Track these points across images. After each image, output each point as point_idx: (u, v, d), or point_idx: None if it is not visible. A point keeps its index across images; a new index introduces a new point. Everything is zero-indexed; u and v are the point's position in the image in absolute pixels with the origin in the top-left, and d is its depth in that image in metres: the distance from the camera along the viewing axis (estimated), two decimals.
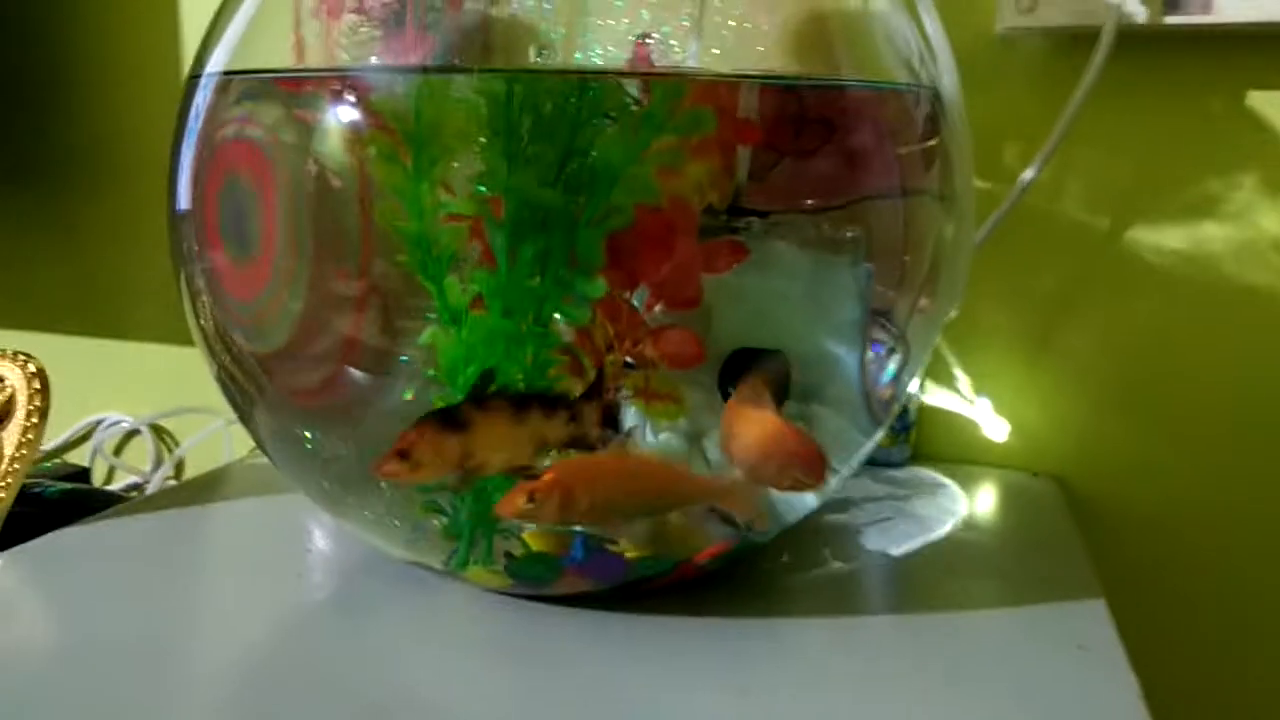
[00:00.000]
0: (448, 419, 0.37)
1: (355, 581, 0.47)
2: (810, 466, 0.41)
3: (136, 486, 0.86)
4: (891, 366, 0.45)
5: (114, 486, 0.87)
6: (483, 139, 0.39)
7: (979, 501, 0.60)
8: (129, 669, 0.38)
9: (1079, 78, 0.57)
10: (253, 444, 0.81)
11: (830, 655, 0.41)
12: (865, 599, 0.48)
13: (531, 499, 0.38)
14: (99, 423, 0.88)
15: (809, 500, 0.47)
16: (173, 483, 0.85)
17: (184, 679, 0.38)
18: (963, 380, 0.67)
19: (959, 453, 0.67)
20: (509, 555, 0.43)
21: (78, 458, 0.89)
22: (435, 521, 0.43)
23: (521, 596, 0.45)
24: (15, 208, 0.88)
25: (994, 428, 0.67)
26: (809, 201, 0.42)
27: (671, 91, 0.39)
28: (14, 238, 0.89)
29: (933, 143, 0.42)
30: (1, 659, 0.39)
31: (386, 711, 0.36)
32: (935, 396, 0.67)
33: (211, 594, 0.47)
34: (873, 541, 0.53)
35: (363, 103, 0.39)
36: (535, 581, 0.43)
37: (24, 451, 0.50)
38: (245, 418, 0.45)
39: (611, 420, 0.39)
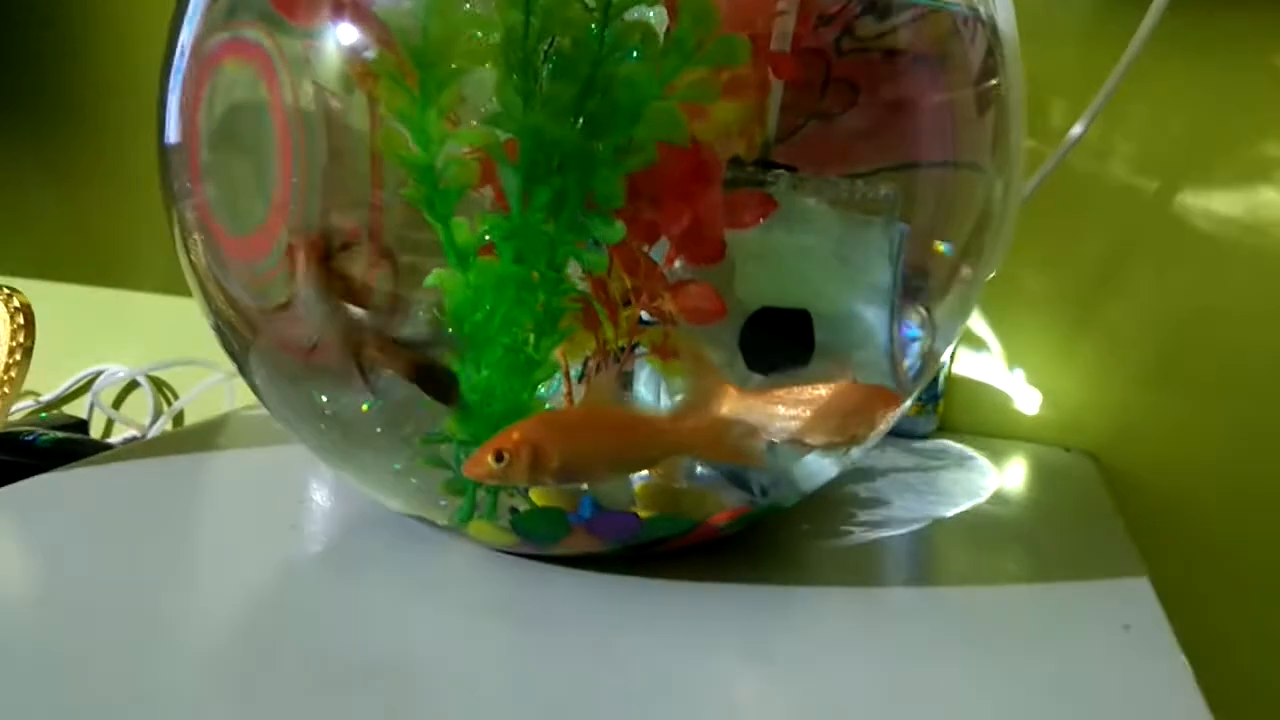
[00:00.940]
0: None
1: (353, 535, 0.44)
2: (888, 399, 0.41)
3: (135, 440, 0.83)
4: (923, 333, 0.42)
5: (112, 439, 0.85)
6: (496, 67, 0.36)
7: (1010, 475, 0.57)
8: (112, 619, 0.36)
9: (1132, 30, 0.54)
10: (255, 397, 0.80)
11: (858, 626, 0.39)
12: (893, 570, 0.45)
13: (500, 458, 0.35)
14: (98, 374, 0.86)
15: (828, 468, 0.44)
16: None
17: (169, 630, 0.36)
18: (995, 349, 0.64)
19: (988, 425, 0.64)
20: (514, 511, 0.41)
21: (75, 410, 0.87)
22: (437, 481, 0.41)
23: (527, 556, 0.42)
24: (11, 150, 0.86)
25: (1026, 400, 0.64)
26: (849, 166, 0.40)
27: (701, 15, 0.36)
28: (10, 181, 0.86)
29: (993, 83, 0.39)
30: None
31: (377, 670, 0.33)
32: (965, 366, 0.64)
33: (202, 543, 0.45)
34: (899, 512, 0.50)
35: (364, 14, 0.36)
36: (542, 539, 0.41)
37: (6, 390, 0.48)
38: (241, 363, 0.42)
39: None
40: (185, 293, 0.81)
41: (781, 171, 0.40)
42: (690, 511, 0.42)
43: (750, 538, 0.45)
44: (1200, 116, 0.58)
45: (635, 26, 0.35)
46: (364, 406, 0.41)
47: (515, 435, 0.36)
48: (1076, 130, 0.55)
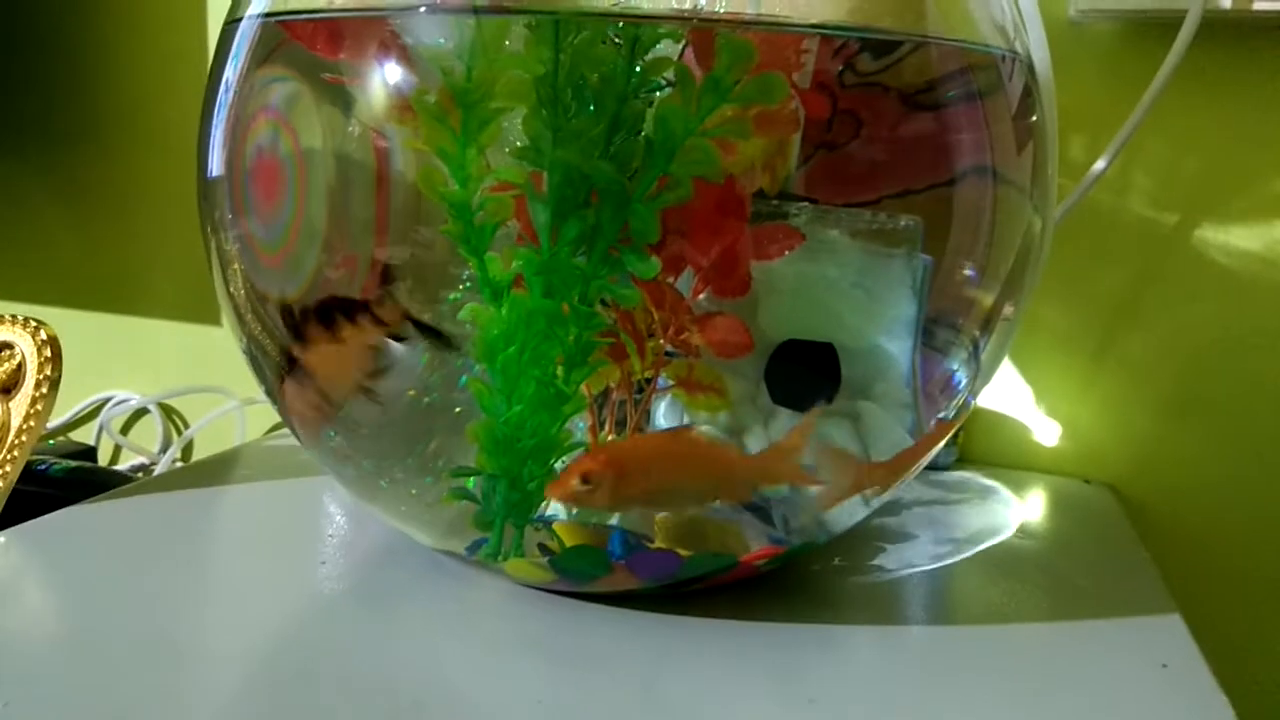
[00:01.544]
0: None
1: (381, 570, 0.44)
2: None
3: (143, 468, 0.83)
4: (959, 374, 0.42)
5: (120, 467, 0.84)
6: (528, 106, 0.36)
7: (1033, 508, 0.57)
8: (136, 658, 0.35)
9: (1151, 66, 0.54)
10: (267, 427, 0.80)
11: (895, 665, 0.38)
12: (926, 607, 0.45)
13: (586, 481, 0.35)
14: (106, 400, 0.85)
15: (857, 511, 0.44)
16: (180, 465, 0.82)
17: (198, 667, 0.35)
18: (1015, 381, 0.64)
19: (1007, 457, 0.64)
20: (543, 547, 0.40)
21: (83, 436, 0.86)
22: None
23: (559, 593, 0.42)
24: (21, 175, 0.85)
25: (1045, 432, 0.64)
26: (876, 193, 0.40)
27: (740, 53, 0.36)
28: (20, 206, 0.86)
29: (1032, 119, 0.39)
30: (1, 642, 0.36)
31: (412, 709, 0.33)
32: (984, 397, 0.64)
33: (226, 579, 0.44)
34: (927, 547, 0.50)
35: (407, 53, 0.36)
36: (581, 577, 0.40)
37: (31, 424, 0.47)
38: (273, 393, 0.42)
39: None
40: (195, 319, 0.81)
41: (805, 204, 0.40)
42: (713, 546, 0.42)
43: (782, 574, 0.45)
44: (1219, 152, 0.59)
45: (661, 63, 0.36)
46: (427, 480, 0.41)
47: (603, 458, 0.36)
48: (1100, 165, 0.55)
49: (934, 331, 0.41)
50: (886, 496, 0.45)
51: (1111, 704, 0.36)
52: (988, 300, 0.40)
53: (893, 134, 0.39)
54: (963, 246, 0.39)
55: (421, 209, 0.38)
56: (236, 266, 0.39)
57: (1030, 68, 0.39)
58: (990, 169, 0.38)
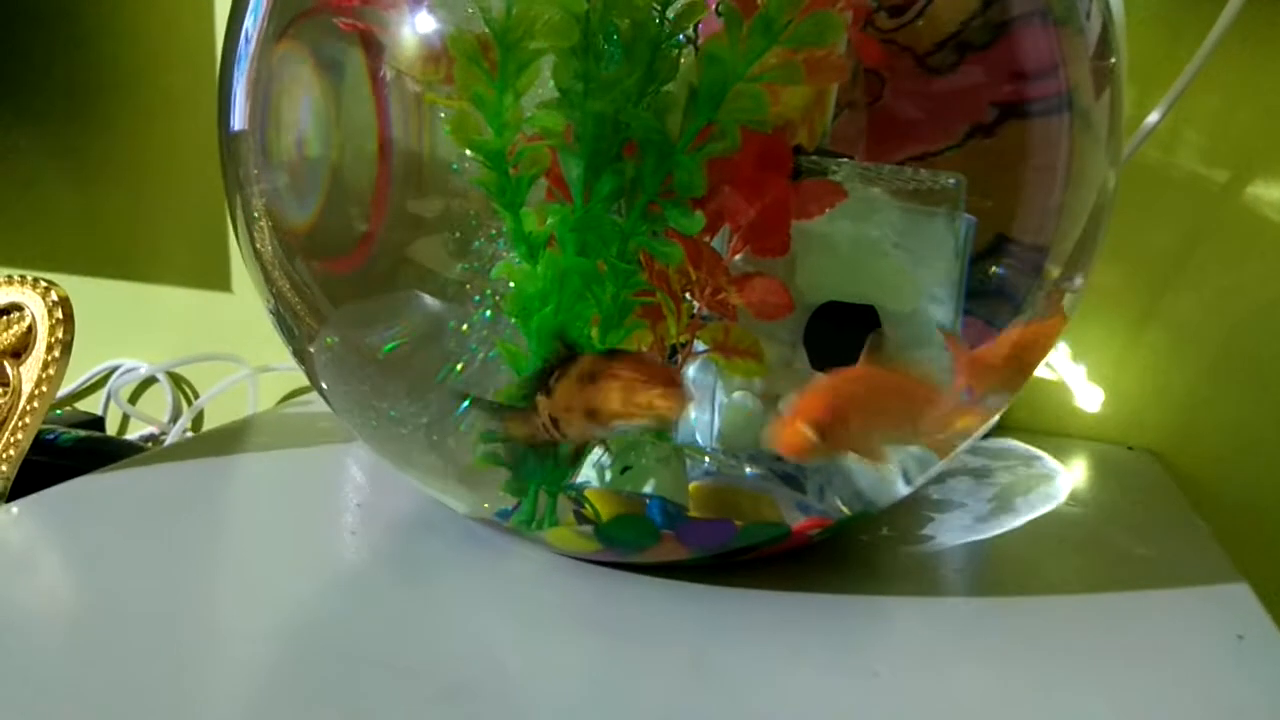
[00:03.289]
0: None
1: (414, 541, 0.42)
2: None
3: (153, 438, 0.81)
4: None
5: (130, 437, 0.83)
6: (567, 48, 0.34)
7: (1080, 475, 0.56)
8: (151, 631, 0.33)
9: (1206, 19, 0.52)
10: (280, 396, 0.78)
11: (954, 637, 0.37)
12: (982, 577, 0.43)
13: (818, 430, 0.32)
14: (113, 369, 0.83)
15: (899, 487, 0.42)
16: (190, 435, 0.80)
17: (214, 643, 0.33)
18: (1057, 345, 0.62)
19: (1047, 423, 0.63)
20: (581, 516, 0.39)
21: (89, 406, 0.85)
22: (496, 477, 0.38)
23: (598, 563, 0.40)
24: (25, 141, 0.83)
25: (1087, 397, 0.62)
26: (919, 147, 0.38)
27: None
28: (25, 172, 0.83)
29: (1111, 61, 0.37)
30: (13, 616, 0.34)
31: (469, 690, 0.31)
32: None
33: (249, 550, 0.42)
34: (977, 515, 0.48)
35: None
36: (628, 547, 0.39)
37: (43, 389, 0.45)
38: (301, 354, 0.40)
39: None
40: (204, 286, 0.78)
41: (845, 160, 0.38)
42: (747, 516, 0.40)
43: (828, 544, 0.43)
44: (1271, 107, 0.57)
45: (695, 7, 0.33)
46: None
47: (828, 400, 0.33)
48: (1153, 119, 0.53)
49: (998, 304, 0.38)
50: (939, 468, 0.43)
51: (1189, 677, 0.34)
52: (1057, 268, 0.38)
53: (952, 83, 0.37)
54: (1034, 210, 0.37)
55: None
56: (264, 223, 0.37)
57: (1107, 5, 0.37)
58: (1069, 115, 0.36)
